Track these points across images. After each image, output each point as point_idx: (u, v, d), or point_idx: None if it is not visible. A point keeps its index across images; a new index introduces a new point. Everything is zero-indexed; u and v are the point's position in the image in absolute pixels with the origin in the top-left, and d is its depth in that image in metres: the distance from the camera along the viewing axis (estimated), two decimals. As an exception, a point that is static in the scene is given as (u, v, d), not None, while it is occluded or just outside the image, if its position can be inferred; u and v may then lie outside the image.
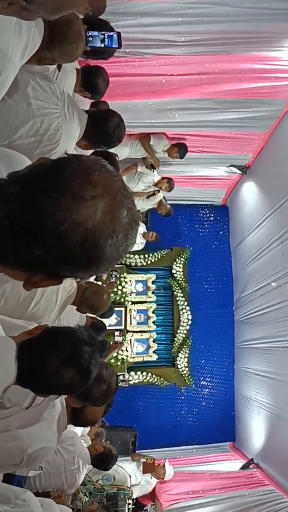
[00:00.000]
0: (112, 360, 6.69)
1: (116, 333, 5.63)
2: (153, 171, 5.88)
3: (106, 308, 2.71)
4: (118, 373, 6.70)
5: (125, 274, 6.97)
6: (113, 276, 5.76)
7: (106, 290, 2.74)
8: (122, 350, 6.81)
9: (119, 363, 6.80)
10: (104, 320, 6.24)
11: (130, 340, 7.06)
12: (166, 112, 4.74)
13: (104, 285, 5.50)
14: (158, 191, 6.24)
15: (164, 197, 6.66)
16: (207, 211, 7.79)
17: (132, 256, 7.15)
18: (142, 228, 6.76)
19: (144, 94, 4.41)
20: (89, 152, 2.46)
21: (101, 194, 0.78)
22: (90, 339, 1.46)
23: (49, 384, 1.37)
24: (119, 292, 6.83)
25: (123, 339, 6.49)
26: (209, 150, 6.03)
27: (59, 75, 2.36)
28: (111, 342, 5.37)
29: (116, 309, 6.11)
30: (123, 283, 6.92)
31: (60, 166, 0.81)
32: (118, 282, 6.80)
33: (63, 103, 1.93)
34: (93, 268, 0.84)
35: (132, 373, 6.98)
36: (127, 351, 6.90)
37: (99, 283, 5.68)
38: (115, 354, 6.64)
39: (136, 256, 7.18)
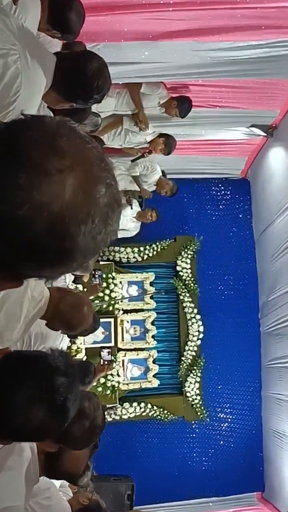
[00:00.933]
0: (99, 388, 6.73)
1: (103, 352, 5.62)
2: (140, 131, 5.92)
3: (86, 326, 2.70)
4: (108, 405, 6.83)
5: (113, 273, 6.96)
6: (97, 276, 5.75)
7: (87, 301, 2.74)
8: (112, 375, 6.84)
9: (108, 391, 6.82)
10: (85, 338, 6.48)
11: (123, 361, 7.09)
12: (164, 53, 4.70)
13: (85, 289, 5.52)
14: (149, 152, 6.19)
15: (163, 172, 6.68)
16: (222, 188, 7.81)
17: (122, 249, 7.17)
18: (135, 208, 6.77)
19: (137, 34, 4.36)
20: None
21: (70, 166, 0.78)
22: (66, 366, 1.48)
23: (13, 427, 1.38)
24: (107, 298, 6.86)
25: (113, 359, 6.50)
26: (223, 104, 6.05)
27: (16, 9, 2.39)
28: (97, 363, 5.39)
29: (103, 320, 6.21)
30: (112, 286, 6.91)
31: (15, 130, 0.80)
32: (104, 285, 6.80)
33: (22, 43, 1.92)
34: (63, 263, 0.84)
35: (126, 404, 7.01)
36: (118, 375, 6.92)
37: (79, 286, 5.76)
38: (102, 380, 6.69)
39: (128, 250, 7.19)
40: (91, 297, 6.10)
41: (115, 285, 6.95)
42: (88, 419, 1.99)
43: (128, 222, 6.72)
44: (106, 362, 5.34)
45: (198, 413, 7.29)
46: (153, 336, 7.21)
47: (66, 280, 4.78)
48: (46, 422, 1.39)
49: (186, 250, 7.37)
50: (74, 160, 0.79)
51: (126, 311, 7.14)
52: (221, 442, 7.45)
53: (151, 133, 6.07)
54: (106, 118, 5.73)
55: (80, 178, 0.79)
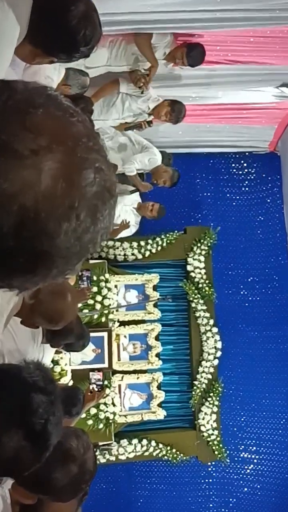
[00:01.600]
0: (90, 421, 6.73)
1: (94, 375, 5.63)
2: (144, 91, 5.93)
3: (71, 317, 2.79)
4: (101, 443, 6.84)
5: (107, 274, 6.97)
6: (84, 278, 5.74)
7: (70, 287, 2.81)
8: (105, 404, 6.84)
9: (101, 425, 6.81)
10: (74, 354, 6.50)
11: (119, 386, 7.09)
12: None
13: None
14: (149, 123, 6.24)
15: (167, 155, 6.68)
16: (245, 164, 7.80)
17: (117, 244, 7.17)
18: (134, 198, 6.80)
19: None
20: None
21: (47, 146, 0.77)
22: (45, 382, 1.50)
23: None
24: (98, 306, 6.83)
25: (105, 385, 6.49)
26: (245, 59, 6.09)
27: None
28: (85, 390, 5.41)
29: (93, 334, 6.04)
30: (105, 291, 6.89)
31: None
32: (95, 289, 6.80)
33: None
34: (37, 271, 0.83)
35: (124, 441, 7.01)
36: (114, 405, 6.92)
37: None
38: (93, 410, 6.69)
39: (125, 245, 7.19)
40: (78, 305, 6.13)
41: (109, 289, 6.93)
42: (75, 462, 1.97)
43: (127, 213, 6.77)
44: (96, 389, 5.33)
45: (216, 453, 7.29)
46: (157, 355, 7.23)
47: None
48: (22, 451, 1.40)
49: (199, 244, 7.36)
50: (53, 138, 0.78)
51: (123, 323, 7.16)
52: (245, 489, 7.46)
53: (155, 98, 6.12)
54: (94, 78, 5.72)
55: (60, 162, 0.78)
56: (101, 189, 0.82)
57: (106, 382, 6.84)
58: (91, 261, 6.87)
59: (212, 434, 7.27)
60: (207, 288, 7.32)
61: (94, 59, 5.53)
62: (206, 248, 7.37)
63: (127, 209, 6.71)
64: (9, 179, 0.76)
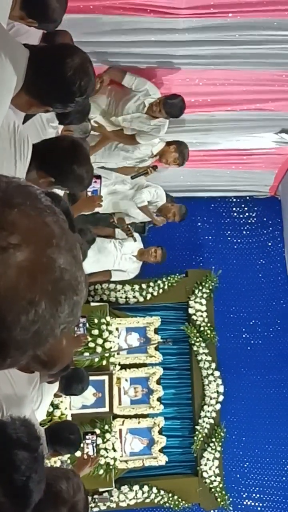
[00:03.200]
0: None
1: (88, 438, 5.41)
2: (141, 144, 5.99)
3: (67, 359, 2.74)
4: (101, 489, 6.77)
5: (108, 317, 6.97)
6: (80, 325, 5.74)
7: (66, 335, 2.67)
8: (106, 449, 6.78)
9: (101, 471, 6.75)
10: (74, 398, 6.42)
11: (120, 431, 7.04)
12: (170, 32, 4.96)
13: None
14: (154, 168, 6.33)
15: (170, 196, 6.76)
16: (246, 208, 7.85)
17: (119, 287, 7.20)
18: (136, 245, 6.86)
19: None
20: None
21: (18, 244, 0.83)
22: (29, 438, 1.49)
23: None
24: (99, 349, 6.81)
25: (97, 449, 6.14)
26: (245, 106, 6.17)
27: None
28: (80, 455, 5.34)
29: (93, 378, 6.15)
30: (105, 334, 6.89)
31: None
32: (96, 332, 6.79)
33: None
34: None
35: (125, 488, 6.93)
36: (114, 450, 6.86)
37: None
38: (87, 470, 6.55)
39: (127, 287, 7.23)
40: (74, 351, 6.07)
41: (110, 332, 6.92)
42: (65, 505, 1.93)
43: (127, 262, 6.83)
44: (92, 454, 5.24)
45: (218, 500, 7.21)
46: (159, 399, 7.19)
47: None
48: (1, 507, 1.41)
49: (200, 287, 7.37)
50: (24, 237, 0.83)
51: (124, 366, 7.13)
52: (250, 538, 7.34)
53: (157, 143, 6.20)
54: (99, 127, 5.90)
55: (27, 259, 0.83)
56: (64, 287, 0.87)
57: (106, 427, 6.79)
58: (92, 304, 6.90)
59: (215, 480, 7.19)
60: (208, 331, 7.30)
61: (98, 106, 5.65)
62: (208, 291, 7.37)
63: (126, 257, 6.76)
64: None
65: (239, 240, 7.79)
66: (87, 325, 6.31)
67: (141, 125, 5.79)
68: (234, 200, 7.82)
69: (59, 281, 0.86)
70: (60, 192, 3.12)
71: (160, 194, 6.59)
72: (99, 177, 4.49)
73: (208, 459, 7.19)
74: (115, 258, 6.73)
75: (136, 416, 7.09)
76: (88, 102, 4.21)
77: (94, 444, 5.61)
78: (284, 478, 7.43)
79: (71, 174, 2.74)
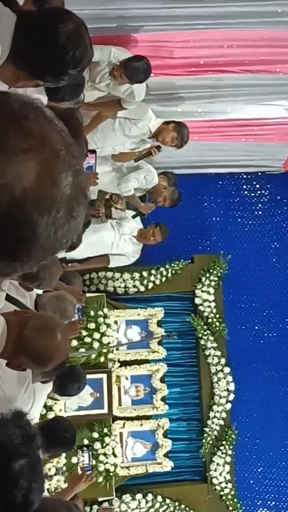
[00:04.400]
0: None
1: (82, 453, 5.32)
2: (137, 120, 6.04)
3: (63, 356, 2.76)
4: (100, 498, 6.75)
5: (105, 309, 6.95)
6: (77, 311, 5.77)
7: (61, 327, 2.79)
8: (105, 455, 6.77)
9: (101, 478, 6.73)
10: (66, 399, 6.26)
11: (121, 434, 7.04)
12: None
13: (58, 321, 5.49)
14: (158, 148, 6.35)
15: (173, 178, 6.80)
16: (258, 186, 7.85)
17: (117, 275, 7.19)
18: (134, 225, 6.85)
19: None
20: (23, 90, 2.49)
21: (36, 147, 0.97)
22: (26, 442, 1.53)
23: None
24: (96, 345, 6.75)
25: (94, 462, 6.10)
26: (257, 68, 6.16)
27: None
28: (73, 471, 5.35)
29: (90, 376, 6.14)
30: (103, 327, 6.84)
31: None
32: (93, 326, 6.75)
33: None
34: (17, 257, 1.01)
35: (127, 497, 6.93)
36: (115, 455, 6.85)
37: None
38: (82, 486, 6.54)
39: (126, 276, 7.22)
40: (72, 343, 6.16)
41: (108, 326, 6.89)
42: None
43: (126, 243, 6.82)
44: (86, 470, 5.32)
45: (230, 508, 7.21)
46: (163, 399, 7.19)
47: None
48: None
49: (207, 275, 7.37)
50: (41, 141, 0.98)
51: (124, 363, 7.14)
52: None
53: (155, 120, 6.22)
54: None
55: (46, 161, 0.98)
56: (77, 191, 1.02)
57: (106, 430, 6.78)
58: (88, 294, 6.83)
59: (226, 487, 7.20)
60: (217, 323, 7.31)
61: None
62: (216, 278, 7.37)
63: (125, 238, 6.74)
64: (1, 171, 0.94)
65: (250, 222, 7.79)
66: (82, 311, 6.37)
67: (116, 93, 5.84)
68: (245, 176, 7.81)
69: (75, 187, 1.01)
70: None
71: (150, 179, 6.59)
72: (94, 151, 4.52)
73: (218, 464, 7.20)
74: (113, 240, 6.73)
75: (138, 417, 7.09)
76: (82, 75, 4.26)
77: (90, 453, 5.78)
78: (302, 484, 7.47)
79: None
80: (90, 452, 6.06)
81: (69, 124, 2.82)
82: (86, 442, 6.53)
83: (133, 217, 6.66)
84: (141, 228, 6.90)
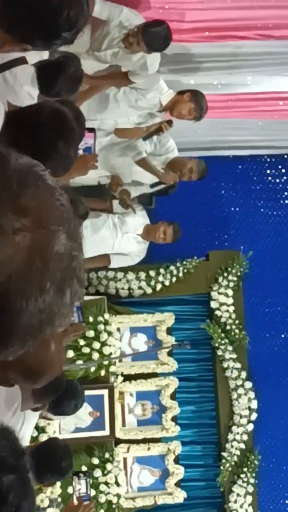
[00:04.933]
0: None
1: (79, 481, 5.43)
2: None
3: (56, 370, 2.49)
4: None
5: (106, 314, 6.82)
6: (76, 310, 5.50)
7: (55, 337, 2.59)
8: (107, 484, 6.59)
9: (102, 511, 6.58)
10: (61, 418, 6.23)
11: (125, 460, 6.92)
12: None
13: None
14: (170, 122, 6.16)
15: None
16: (283, 170, 7.76)
17: (120, 275, 7.04)
18: (140, 222, 6.66)
19: None
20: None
21: (30, 227, 0.99)
22: (15, 456, 1.53)
23: None
24: (96, 356, 6.60)
25: (94, 490, 6.07)
26: (280, 33, 6.08)
27: None
28: (67, 504, 5.48)
29: (89, 393, 6.07)
30: (104, 335, 6.70)
31: None
32: (92, 334, 6.57)
33: None
34: None
35: (132, 531, 6.89)
36: (118, 485, 6.67)
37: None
38: (92, 491, 6.23)
39: (130, 276, 7.11)
40: (69, 343, 6.03)
41: (110, 334, 6.75)
42: None
43: (129, 242, 6.66)
44: (83, 500, 5.16)
45: None
46: (174, 419, 7.04)
47: None
48: None
49: (225, 274, 7.25)
50: (36, 220, 1.00)
51: (128, 377, 7.00)
52: None
53: (167, 91, 6.11)
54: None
55: (40, 243, 1.00)
56: (71, 276, 1.05)
57: (107, 455, 6.65)
58: (86, 297, 6.72)
59: None
60: (237, 331, 7.19)
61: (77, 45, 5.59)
62: (235, 278, 7.27)
63: (129, 237, 6.56)
64: None
65: (275, 212, 7.67)
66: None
67: (125, 63, 5.81)
68: (268, 159, 7.68)
69: (67, 269, 1.03)
70: None
71: (165, 142, 6.33)
72: (92, 130, 4.46)
73: (238, 495, 7.02)
74: (114, 238, 6.58)
75: (145, 440, 6.97)
76: (79, 66, 4.33)
77: (88, 481, 5.65)
78: None
79: (55, 153, 2.79)
80: (88, 479, 5.83)
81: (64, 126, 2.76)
82: (84, 468, 6.34)
83: (151, 186, 6.46)
84: (148, 224, 6.72)
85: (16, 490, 1.53)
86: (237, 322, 7.17)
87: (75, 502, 5.29)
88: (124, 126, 6.38)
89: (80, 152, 4.11)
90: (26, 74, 3.96)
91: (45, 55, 4.59)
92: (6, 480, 1.51)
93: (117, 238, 6.60)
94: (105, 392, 6.72)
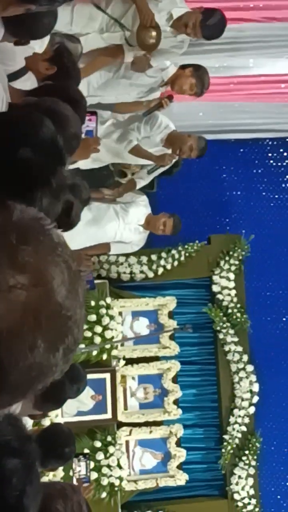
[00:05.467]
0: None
1: (78, 462, 5.44)
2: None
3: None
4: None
5: (108, 298, 6.86)
6: (87, 283, 5.75)
7: None
8: (110, 467, 6.65)
9: (104, 494, 6.66)
10: (67, 402, 6.31)
11: (127, 443, 6.97)
12: None
13: None
14: (170, 98, 6.15)
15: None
16: (285, 154, 7.74)
17: (121, 259, 7.06)
18: (142, 212, 6.66)
19: None
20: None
21: (26, 285, 0.97)
22: (20, 440, 1.53)
23: None
24: (98, 339, 6.64)
25: (90, 477, 5.95)
26: (283, 15, 6.16)
27: None
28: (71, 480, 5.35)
29: (91, 376, 6.00)
30: (106, 319, 6.75)
31: None
32: (94, 318, 6.59)
33: None
34: None
35: (134, 515, 6.90)
36: (120, 467, 6.73)
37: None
38: (94, 474, 6.44)
39: (133, 260, 7.12)
40: None
41: (111, 318, 6.79)
42: None
43: (131, 232, 6.64)
44: (83, 482, 5.21)
45: (253, 527, 7.16)
46: (176, 402, 7.07)
47: None
48: None
49: (227, 258, 7.24)
50: (34, 278, 0.98)
51: (130, 361, 7.06)
52: None
53: (169, 66, 6.06)
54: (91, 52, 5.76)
55: (35, 302, 0.97)
56: (66, 334, 1.02)
57: (109, 438, 6.70)
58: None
59: (249, 503, 7.09)
60: (238, 314, 7.20)
61: (88, 22, 5.54)
62: (237, 262, 7.26)
63: (130, 228, 6.53)
64: None
65: (276, 196, 7.66)
66: None
67: (163, 41, 5.69)
68: (270, 143, 7.66)
69: (61, 326, 1.01)
70: None
71: (157, 122, 6.24)
72: (94, 113, 4.43)
73: (240, 477, 7.08)
74: (116, 229, 6.58)
75: (147, 424, 7.01)
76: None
77: (88, 462, 5.71)
78: None
79: None
80: (88, 461, 5.88)
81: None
82: (86, 451, 6.36)
83: (149, 172, 6.41)
84: (150, 214, 6.70)
85: (20, 474, 1.53)
86: (238, 305, 7.20)
87: (75, 483, 5.25)
88: (124, 100, 6.33)
89: (82, 136, 4.04)
90: None
91: (44, 44, 4.65)
92: (10, 464, 1.51)
93: (119, 228, 6.60)
94: (107, 376, 6.76)
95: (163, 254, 7.11)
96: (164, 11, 5.65)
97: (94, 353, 6.63)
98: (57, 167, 2.13)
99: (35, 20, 3.02)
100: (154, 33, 5.56)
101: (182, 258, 7.13)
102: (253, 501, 7.06)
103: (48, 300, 0.99)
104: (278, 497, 7.32)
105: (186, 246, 7.13)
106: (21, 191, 2.02)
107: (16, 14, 2.49)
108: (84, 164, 5.78)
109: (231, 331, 7.12)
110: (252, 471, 7.05)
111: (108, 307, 6.76)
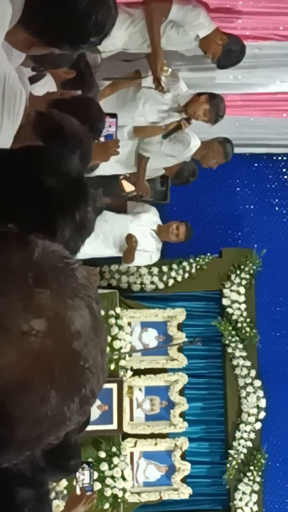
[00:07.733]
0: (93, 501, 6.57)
1: (82, 472, 5.56)
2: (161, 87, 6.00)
3: None
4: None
5: (118, 308, 6.98)
6: None
7: None
8: (113, 478, 6.79)
9: (107, 505, 6.80)
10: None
11: (131, 455, 7.07)
12: None
13: None
14: (188, 120, 6.30)
15: None
16: None
17: (133, 270, 7.19)
18: (153, 219, 6.83)
19: None
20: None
21: (42, 331, 0.90)
22: (34, 469, 1.56)
23: None
24: (106, 350, 6.71)
25: (93, 486, 6.11)
26: None
27: None
28: (71, 493, 5.43)
29: None
30: (115, 329, 6.90)
31: None
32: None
33: None
34: None
35: (137, 527, 7.00)
36: (124, 479, 6.86)
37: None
38: (97, 485, 6.63)
39: (143, 271, 7.23)
40: None
41: (120, 328, 6.94)
42: None
43: (146, 238, 6.70)
44: (86, 490, 5.30)
45: None
46: (182, 415, 7.19)
47: None
48: None
49: (238, 272, 7.36)
50: (51, 323, 0.90)
51: (138, 372, 7.15)
52: None
53: (186, 92, 6.23)
54: (109, 59, 5.83)
55: (48, 350, 0.90)
56: (82, 386, 0.94)
57: (114, 449, 6.80)
58: (100, 291, 6.83)
59: None
60: (248, 329, 7.31)
61: (109, 42, 5.55)
62: (248, 276, 7.37)
63: (144, 231, 6.65)
64: None
65: None
66: None
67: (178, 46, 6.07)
68: (285, 158, 7.75)
69: (78, 377, 0.93)
70: None
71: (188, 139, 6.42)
72: (114, 116, 4.48)
73: (244, 493, 7.16)
74: (129, 228, 6.66)
75: (153, 436, 7.10)
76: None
77: (91, 471, 5.80)
78: None
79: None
80: (92, 470, 6.02)
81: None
82: (90, 460, 6.49)
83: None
84: (160, 224, 6.85)
85: (32, 504, 1.54)
86: (248, 320, 7.29)
87: (78, 492, 5.31)
88: (140, 125, 6.39)
89: (102, 139, 4.18)
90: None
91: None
92: (22, 493, 1.52)
93: (131, 229, 6.60)
94: (114, 386, 6.83)
95: (174, 266, 7.22)
96: (194, 31, 5.81)
97: (101, 362, 6.93)
98: (81, 201, 2.16)
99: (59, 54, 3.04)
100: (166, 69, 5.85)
101: (193, 271, 7.26)
102: (258, 517, 7.13)
103: (64, 348, 0.92)
104: (282, 513, 7.34)
105: (197, 259, 7.27)
106: (44, 221, 2.02)
107: (39, 53, 2.53)
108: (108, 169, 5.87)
109: (240, 346, 7.23)
110: (256, 487, 7.15)
111: (117, 317, 6.90)
